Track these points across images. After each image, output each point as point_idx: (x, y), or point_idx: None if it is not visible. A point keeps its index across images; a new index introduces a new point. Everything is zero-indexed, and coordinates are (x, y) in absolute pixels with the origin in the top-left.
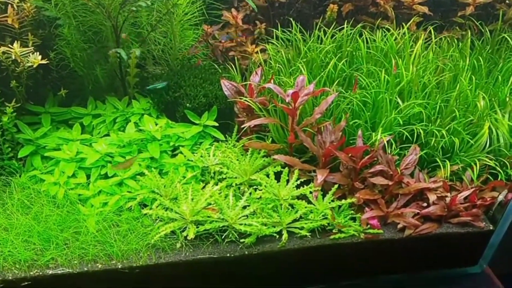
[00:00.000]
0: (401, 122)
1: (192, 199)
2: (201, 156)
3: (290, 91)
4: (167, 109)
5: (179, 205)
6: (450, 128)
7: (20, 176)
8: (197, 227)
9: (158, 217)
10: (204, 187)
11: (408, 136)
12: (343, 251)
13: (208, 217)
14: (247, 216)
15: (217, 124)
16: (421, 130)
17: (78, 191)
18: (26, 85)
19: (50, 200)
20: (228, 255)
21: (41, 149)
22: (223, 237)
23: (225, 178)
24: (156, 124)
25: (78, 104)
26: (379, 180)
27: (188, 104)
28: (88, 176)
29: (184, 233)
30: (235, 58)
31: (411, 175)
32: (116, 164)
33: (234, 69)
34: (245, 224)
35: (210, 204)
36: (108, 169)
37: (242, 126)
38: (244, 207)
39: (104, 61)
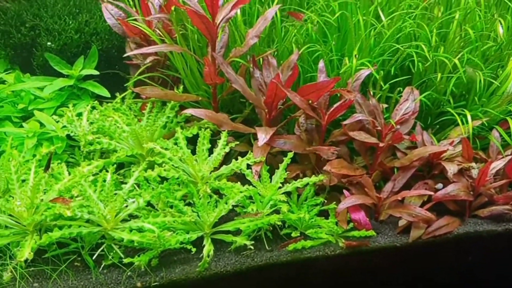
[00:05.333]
0: (385, 48)
1: (37, 187)
2: (69, 123)
3: None
4: (22, 59)
5: (11, 200)
6: (463, 58)
7: None
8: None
9: None
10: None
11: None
12: (312, 271)
13: (71, 218)
14: (135, 215)
15: (97, 73)
16: (415, 59)
17: None
18: None
19: None
20: None
21: None
22: (94, 256)
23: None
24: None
25: None
26: (364, 137)
27: (50, 44)
28: None
29: (19, 253)
30: None
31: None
32: None
33: None
34: (132, 230)
35: (72, 196)
36: None
37: (126, 55)
38: (132, 201)
39: None
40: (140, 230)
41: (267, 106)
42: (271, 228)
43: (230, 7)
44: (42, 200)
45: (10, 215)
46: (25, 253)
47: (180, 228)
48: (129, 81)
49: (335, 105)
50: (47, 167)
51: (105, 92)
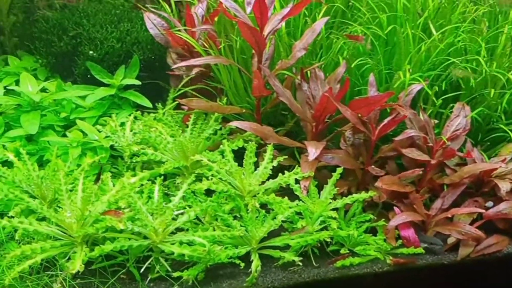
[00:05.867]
0: (436, 62)
1: (87, 198)
2: (112, 133)
3: None
4: (63, 67)
5: (60, 211)
6: None
7: None
8: (92, 251)
9: (28, 235)
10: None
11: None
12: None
13: (117, 231)
14: (184, 228)
15: (139, 83)
16: (470, 75)
17: None
18: None
19: None
20: None
21: None
22: (142, 269)
23: (152, 166)
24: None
25: None
26: (416, 154)
27: (92, 53)
28: None
29: (68, 264)
30: None
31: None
32: None
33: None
34: (182, 243)
35: (119, 207)
36: None
37: (174, 67)
38: (180, 213)
39: None
40: (189, 243)
41: (315, 119)
42: (319, 245)
43: (279, 18)
44: (91, 212)
45: (57, 225)
46: (77, 265)
47: (228, 242)
48: (169, 91)
49: (385, 120)
50: (97, 179)
51: (146, 102)
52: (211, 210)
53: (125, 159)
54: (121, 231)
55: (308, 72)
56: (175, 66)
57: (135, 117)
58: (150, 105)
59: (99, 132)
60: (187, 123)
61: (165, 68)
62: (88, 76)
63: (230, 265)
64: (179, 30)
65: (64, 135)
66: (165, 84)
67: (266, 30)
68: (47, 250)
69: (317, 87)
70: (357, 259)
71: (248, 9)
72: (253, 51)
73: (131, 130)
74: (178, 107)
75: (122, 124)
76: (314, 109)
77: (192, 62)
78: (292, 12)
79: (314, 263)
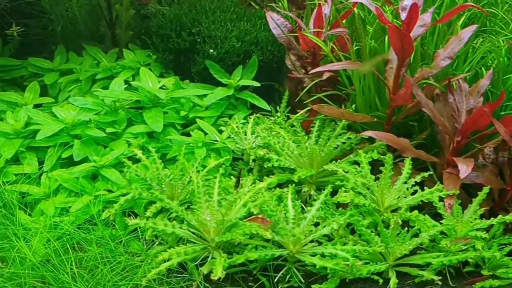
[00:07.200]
0: None
1: (220, 202)
2: (233, 135)
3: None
4: (178, 64)
5: (196, 213)
6: None
7: None
8: (230, 257)
9: (156, 236)
10: (237, 185)
11: None
12: None
13: (251, 237)
14: (319, 242)
15: (258, 85)
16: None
17: (21, 187)
18: None
19: None
20: None
21: None
22: (277, 278)
23: (273, 172)
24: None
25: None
26: None
27: (212, 51)
28: (41, 162)
29: (203, 269)
30: None
31: None
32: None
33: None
34: (322, 255)
35: (251, 213)
36: (75, 150)
37: (311, 72)
38: (316, 223)
39: None
40: (330, 255)
41: (460, 134)
42: (458, 265)
43: (422, 25)
44: (230, 216)
45: (191, 227)
46: (218, 271)
47: (363, 257)
48: (282, 93)
49: None
50: (237, 183)
51: (264, 105)
52: (345, 223)
53: (250, 162)
54: (251, 238)
55: (454, 83)
56: (314, 70)
57: (257, 121)
58: (268, 108)
59: (220, 133)
60: (310, 128)
61: (280, 69)
62: (204, 74)
63: (360, 280)
64: (302, 31)
65: (184, 134)
66: (279, 86)
67: (413, 31)
68: (189, 253)
69: (461, 99)
70: (496, 281)
71: (403, 15)
72: (389, 57)
73: (252, 133)
74: (292, 111)
75: (242, 124)
76: (463, 123)
77: (329, 67)
78: (442, 20)
79: (450, 283)
